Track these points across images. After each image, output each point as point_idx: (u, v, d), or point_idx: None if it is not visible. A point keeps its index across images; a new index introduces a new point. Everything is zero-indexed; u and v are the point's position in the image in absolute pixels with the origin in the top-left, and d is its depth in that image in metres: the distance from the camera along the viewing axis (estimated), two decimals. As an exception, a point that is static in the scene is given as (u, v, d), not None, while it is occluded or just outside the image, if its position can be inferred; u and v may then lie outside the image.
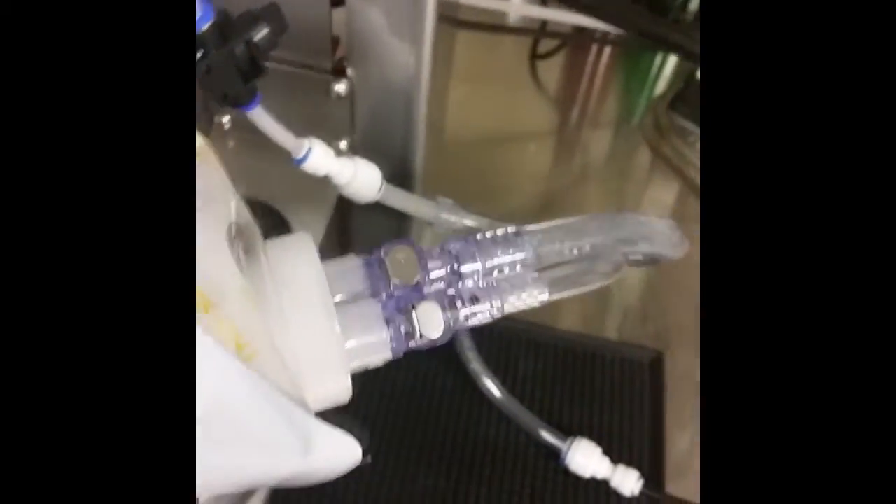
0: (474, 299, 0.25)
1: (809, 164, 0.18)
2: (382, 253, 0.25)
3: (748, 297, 0.18)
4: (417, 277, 0.24)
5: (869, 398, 0.17)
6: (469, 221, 0.41)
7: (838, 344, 0.17)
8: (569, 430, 0.44)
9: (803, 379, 0.17)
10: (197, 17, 0.28)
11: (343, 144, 0.44)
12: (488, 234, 0.26)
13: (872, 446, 0.16)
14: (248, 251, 0.24)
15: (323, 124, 0.42)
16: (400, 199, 0.40)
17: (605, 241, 0.28)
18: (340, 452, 0.21)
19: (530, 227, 0.27)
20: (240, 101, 0.32)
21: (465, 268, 0.26)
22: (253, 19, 0.30)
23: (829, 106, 0.18)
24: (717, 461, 0.18)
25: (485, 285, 0.26)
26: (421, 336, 0.24)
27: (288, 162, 0.37)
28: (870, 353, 0.17)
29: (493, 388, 0.49)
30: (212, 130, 0.46)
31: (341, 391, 0.23)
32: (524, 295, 0.25)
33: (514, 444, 0.48)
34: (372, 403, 0.50)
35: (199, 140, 0.28)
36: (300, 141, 0.36)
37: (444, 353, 0.51)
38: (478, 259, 0.26)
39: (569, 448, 0.41)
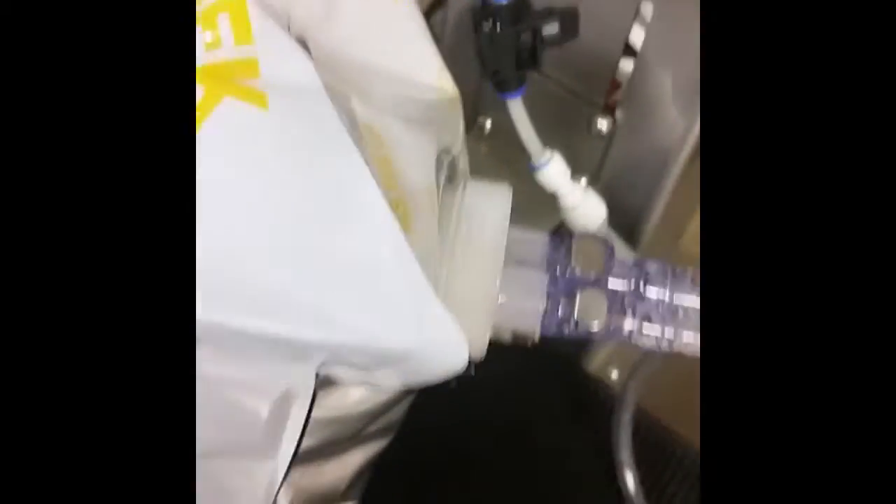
0: (647, 317, 0.23)
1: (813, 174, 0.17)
2: (574, 237, 0.24)
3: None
4: (597, 271, 0.23)
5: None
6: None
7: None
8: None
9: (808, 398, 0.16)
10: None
11: (583, 180, 0.44)
12: (689, 273, 0.25)
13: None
14: (451, 180, 0.25)
15: (573, 156, 0.43)
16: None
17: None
18: (449, 346, 0.20)
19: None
20: (506, 86, 0.33)
21: (651, 292, 0.24)
22: (549, 14, 0.32)
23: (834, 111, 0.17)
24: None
25: (667, 313, 0.24)
26: (577, 324, 0.23)
27: (527, 180, 0.38)
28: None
29: (630, 484, 0.45)
30: (472, 129, 0.48)
31: (476, 342, 0.23)
32: (704, 337, 0.23)
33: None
34: (505, 458, 0.48)
35: (453, 89, 0.29)
36: (544, 149, 0.37)
37: (596, 439, 0.48)
38: (668, 288, 0.24)
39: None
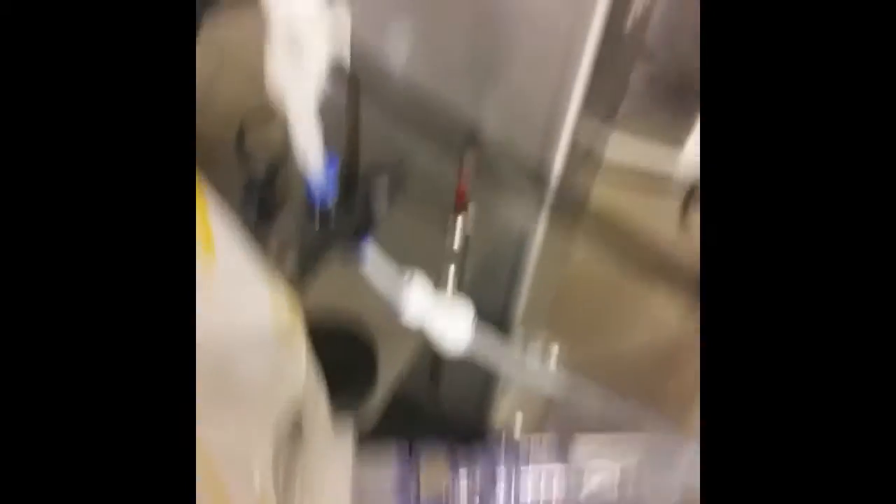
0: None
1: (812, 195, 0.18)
2: (416, 454, 0.26)
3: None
4: (446, 482, 0.26)
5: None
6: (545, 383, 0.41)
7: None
8: None
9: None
10: (321, 193, 0.30)
11: (451, 268, 0.46)
12: (531, 441, 0.28)
13: None
14: (295, 439, 0.25)
15: (438, 253, 0.45)
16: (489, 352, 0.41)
17: (662, 476, 0.27)
18: None
19: (581, 437, 0.28)
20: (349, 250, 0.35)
21: (499, 473, 0.27)
22: (377, 171, 0.33)
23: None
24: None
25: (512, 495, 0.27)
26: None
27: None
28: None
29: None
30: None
31: None
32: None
33: None
34: None
35: (295, 320, 0.27)
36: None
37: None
38: (513, 469, 0.27)
39: None
